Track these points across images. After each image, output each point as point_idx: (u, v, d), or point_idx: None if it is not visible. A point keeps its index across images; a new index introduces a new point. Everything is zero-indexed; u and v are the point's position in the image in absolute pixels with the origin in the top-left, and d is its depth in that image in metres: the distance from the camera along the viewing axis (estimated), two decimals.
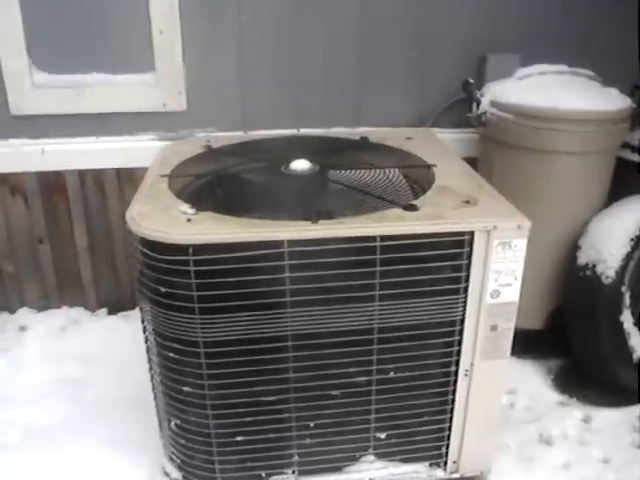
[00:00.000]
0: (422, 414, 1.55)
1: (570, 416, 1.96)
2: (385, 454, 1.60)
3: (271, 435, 1.51)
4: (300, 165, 1.66)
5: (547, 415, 1.96)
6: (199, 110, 2.25)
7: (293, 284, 1.34)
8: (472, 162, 1.89)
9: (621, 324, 1.93)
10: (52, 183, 2.28)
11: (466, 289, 1.41)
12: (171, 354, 1.42)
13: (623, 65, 2.14)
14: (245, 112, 2.28)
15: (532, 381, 2.11)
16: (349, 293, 1.37)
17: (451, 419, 1.56)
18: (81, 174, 2.28)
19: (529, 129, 1.96)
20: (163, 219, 1.37)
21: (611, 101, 1.99)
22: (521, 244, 1.38)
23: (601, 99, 1.98)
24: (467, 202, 1.45)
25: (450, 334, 1.46)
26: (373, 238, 1.33)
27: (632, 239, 1.91)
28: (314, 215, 1.35)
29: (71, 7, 2.10)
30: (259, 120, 2.26)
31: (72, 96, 2.17)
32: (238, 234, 1.31)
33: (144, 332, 1.51)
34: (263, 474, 1.56)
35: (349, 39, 2.24)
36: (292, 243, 1.31)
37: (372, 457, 1.59)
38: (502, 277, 1.40)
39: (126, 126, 2.24)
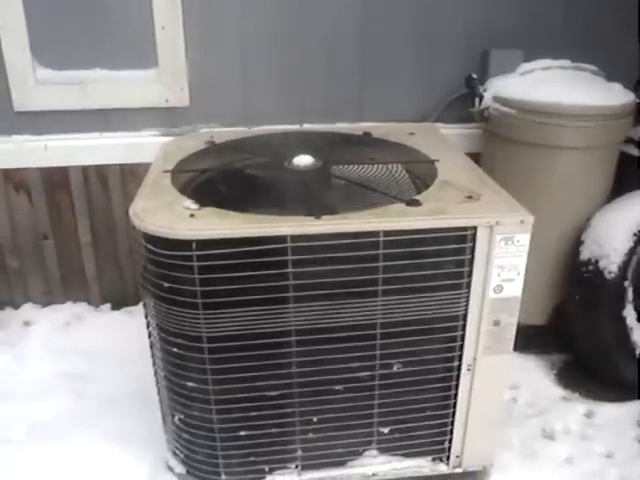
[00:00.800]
0: (425, 409, 1.55)
1: (573, 411, 1.96)
2: (388, 449, 1.60)
3: (274, 430, 1.51)
4: (303, 160, 1.66)
5: (550, 410, 1.96)
6: (202, 106, 2.25)
7: (296, 279, 1.34)
8: (475, 157, 1.89)
9: (624, 319, 1.93)
10: (55, 179, 2.29)
11: (469, 284, 1.41)
12: (175, 349, 1.43)
13: (627, 60, 2.14)
14: (248, 107, 2.27)
15: (535, 376, 2.11)
16: (352, 288, 1.38)
17: (454, 414, 1.57)
18: (84, 170, 2.28)
19: (532, 124, 1.95)
20: (166, 214, 1.37)
21: (614, 96, 1.98)
22: (524, 239, 1.38)
23: (604, 94, 1.98)
24: (470, 197, 1.45)
25: (453, 329, 1.46)
26: (376, 233, 1.33)
27: (635, 234, 1.91)
28: (317, 210, 1.36)
29: (74, 3, 2.10)
30: (262, 115, 2.26)
31: (75, 92, 2.17)
32: (241, 229, 1.31)
33: (148, 327, 1.51)
34: (266, 468, 1.57)
35: (352, 34, 2.23)
36: (295, 238, 1.31)
37: (375, 452, 1.60)
38: (505, 272, 1.40)
39: (129, 122, 2.25)
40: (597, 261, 1.92)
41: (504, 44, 2.20)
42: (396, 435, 1.58)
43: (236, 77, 2.24)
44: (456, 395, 1.54)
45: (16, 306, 2.44)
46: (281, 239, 1.31)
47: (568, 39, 2.27)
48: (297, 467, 1.58)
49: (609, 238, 1.92)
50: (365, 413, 1.53)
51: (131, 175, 2.28)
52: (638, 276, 1.96)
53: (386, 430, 1.57)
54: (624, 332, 1.94)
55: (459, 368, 1.51)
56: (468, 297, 1.42)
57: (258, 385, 1.45)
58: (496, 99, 2.06)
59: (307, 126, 2.28)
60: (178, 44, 2.16)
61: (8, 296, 2.44)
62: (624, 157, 2.12)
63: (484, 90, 2.11)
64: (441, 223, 1.35)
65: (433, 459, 1.63)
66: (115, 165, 2.28)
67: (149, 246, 1.34)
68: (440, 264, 1.39)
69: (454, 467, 1.64)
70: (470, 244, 1.37)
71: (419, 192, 1.53)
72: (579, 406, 1.98)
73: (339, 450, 1.58)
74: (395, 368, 1.48)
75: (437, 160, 1.70)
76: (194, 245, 1.29)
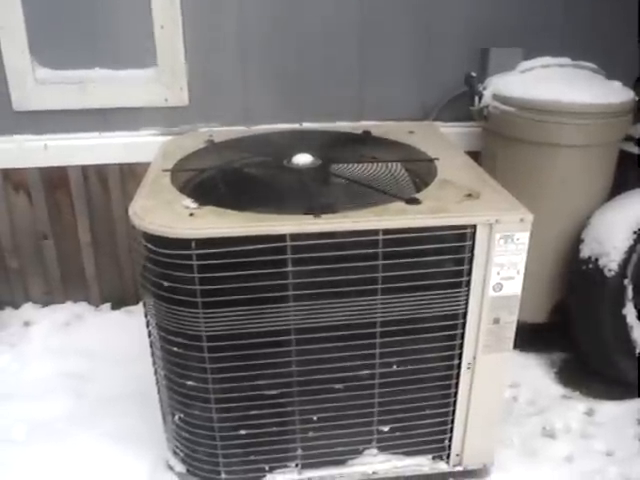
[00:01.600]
0: (425, 407, 1.55)
1: (573, 409, 1.95)
2: (388, 447, 1.60)
3: (274, 428, 1.52)
4: (302, 159, 1.66)
5: (550, 408, 1.96)
6: (201, 105, 2.25)
7: (296, 278, 1.35)
8: (474, 156, 1.89)
9: (624, 317, 1.93)
10: (55, 178, 2.28)
11: (468, 282, 1.41)
12: (175, 348, 1.43)
13: (626, 58, 2.14)
14: (247, 106, 2.27)
15: (535, 374, 2.11)
16: (352, 287, 1.38)
17: (454, 412, 1.57)
18: (84, 169, 2.28)
19: (532, 122, 1.95)
20: (166, 214, 1.37)
21: (614, 94, 1.98)
22: (524, 237, 1.38)
23: (604, 92, 1.98)
24: (469, 195, 1.45)
25: (453, 327, 1.46)
26: (376, 232, 1.33)
27: (635, 232, 1.91)
28: (316, 209, 1.36)
29: (73, 3, 2.10)
30: (261, 114, 2.26)
31: (74, 92, 2.17)
32: (241, 228, 1.31)
33: (147, 326, 1.51)
34: (266, 467, 1.57)
35: (351, 33, 2.23)
36: (295, 237, 1.31)
37: (375, 450, 1.60)
38: (505, 270, 1.40)
39: (128, 121, 2.24)
40: (597, 259, 1.92)
41: (504, 42, 2.20)
42: (396, 433, 1.58)
43: (235, 76, 2.24)
44: (456, 393, 1.54)
45: (16, 306, 2.44)
46: (280, 238, 1.31)
47: (568, 37, 2.27)
48: (297, 466, 1.58)
49: (609, 236, 1.92)
50: (365, 412, 1.53)
51: (131, 174, 2.28)
52: (638, 274, 1.96)
53: (386, 428, 1.57)
54: (624, 330, 1.94)
55: (459, 366, 1.51)
56: (468, 295, 1.42)
57: (258, 384, 1.45)
58: (496, 97, 2.06)
59: (307, 125, 2.27)
60: (177, 43, 2.16)
61: (8, 296, 2.44)
62: (624, 155, 2.12)
63: (484, 88, 2.11)
64: (441, 221, 1.35)
65: (433, 457, 1.64)
66: (115, 165, 2.28)
67: (149, 245, 1.35)
68: (440, 262, 1.39)
69: (454, 465, 1.64)
70: (470, 242, 1.37)
71: (419, 191, 1.53)
72: (579, 404, 1.98)
73: (339, 449, 1.58)
74: (395, 367, 1.48)
75: (437, 159, 1.70)
76: (193, 244, 1.30)
